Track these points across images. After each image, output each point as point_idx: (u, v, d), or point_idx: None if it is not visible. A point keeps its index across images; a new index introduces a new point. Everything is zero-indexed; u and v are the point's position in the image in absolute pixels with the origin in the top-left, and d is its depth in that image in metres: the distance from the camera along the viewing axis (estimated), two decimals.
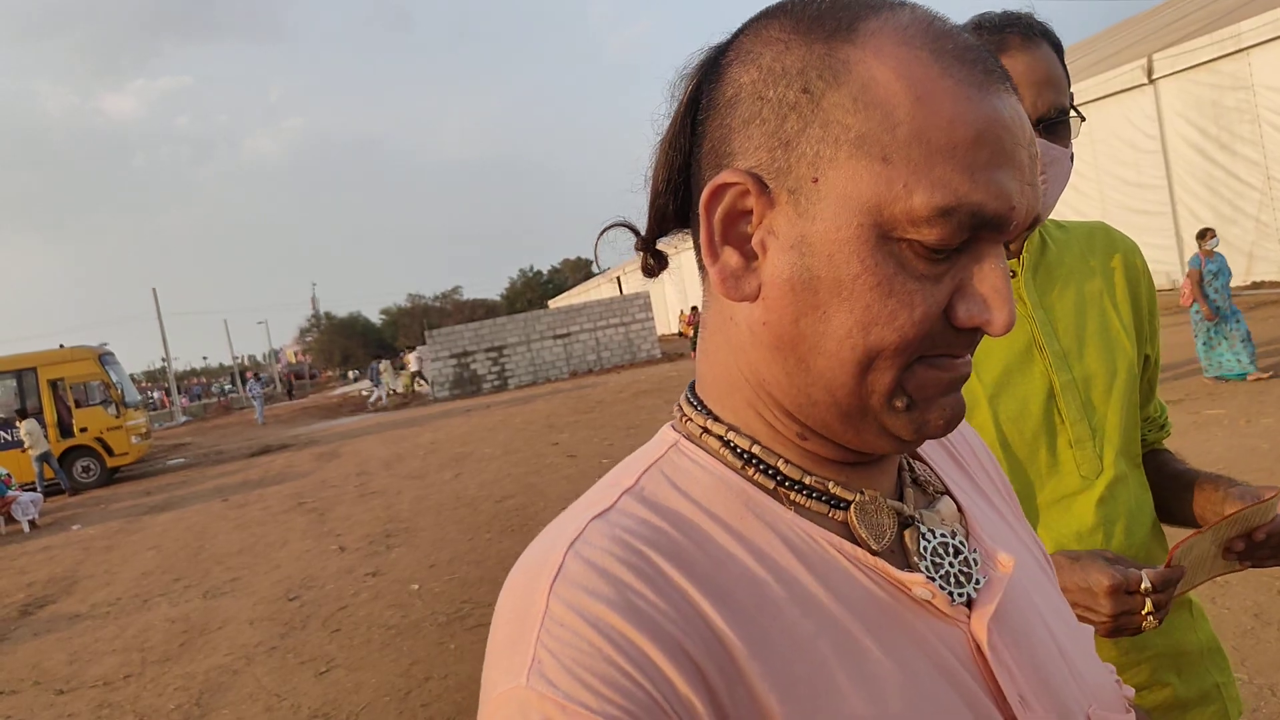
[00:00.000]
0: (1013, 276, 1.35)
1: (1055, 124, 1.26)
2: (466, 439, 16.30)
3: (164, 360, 56.38)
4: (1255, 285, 15.84)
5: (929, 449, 0.80)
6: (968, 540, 0.71)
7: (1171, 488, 1.43)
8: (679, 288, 44.42)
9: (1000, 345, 1.35)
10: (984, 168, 0.57)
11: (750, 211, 0.62)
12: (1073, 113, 1.30)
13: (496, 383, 28.34)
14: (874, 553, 0.65)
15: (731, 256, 0.63)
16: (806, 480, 0.65)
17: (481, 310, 78.98)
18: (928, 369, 0.61)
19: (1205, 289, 9.50)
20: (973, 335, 0.62)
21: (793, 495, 0.65)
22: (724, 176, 0.61)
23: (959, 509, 0.74)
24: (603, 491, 0.65)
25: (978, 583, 0.68)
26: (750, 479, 0.65)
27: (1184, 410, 8.20)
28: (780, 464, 0.65)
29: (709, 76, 0.65)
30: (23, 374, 19.68)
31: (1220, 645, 1.45)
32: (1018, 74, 1.24)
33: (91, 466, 19.64)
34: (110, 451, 19.83)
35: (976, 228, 0.58)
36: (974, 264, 0.60)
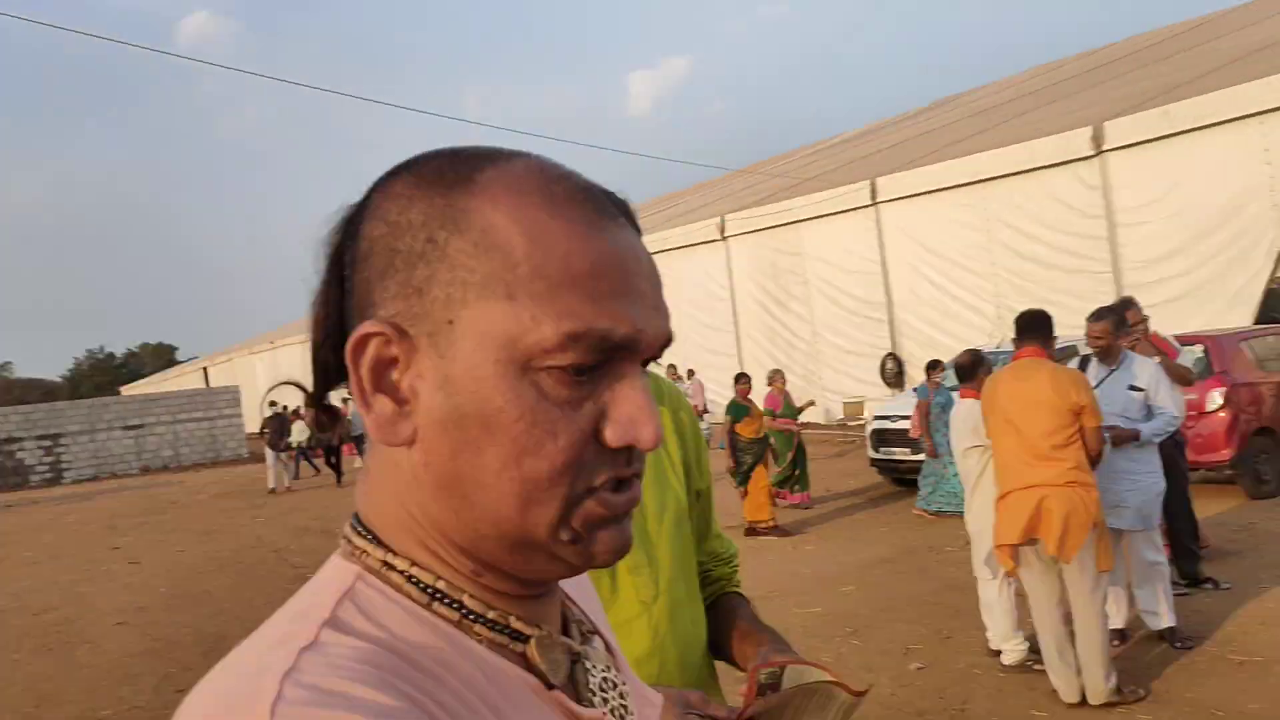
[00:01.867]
0: None
1: None
2: (1, 541, 14.08)
3: None
4: (803, 425, 18.20)
5: (569, 588, 0.82)
6: (619, 676, 0.76)
7: (725, 632, 1.54)
8: (270, 375, 41.99)
9: None
10: (606, 296, 0.61)
11: (396, 359, 0.63)
12: None
13: (48, 475, 24.92)
14: (551, 687, 0.68)
15: (384, 404, 0.64)
16: (490, 615, 0.67)
17: (38, 391, 69.21)
18: (593, 503, 0.63)
19: (933, 423, 9.41)
20: (630, 454, 0.64)
21: (477, 629, 0.67)
22: (365, 328, 0.63)
23: (607, 646, 0.79)
24: (289, 626, 0.61)
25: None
26: (438, 614, 0.66)
27: (736, 535, 9.20)
28: (465, 598, 0.67)
29: (348, 233, 0.68)
30: None
31: None
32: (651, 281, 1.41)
33: None
34: None
35: (609, 350, 0.61)
36: (615, 385, 0.63)
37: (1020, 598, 5.09)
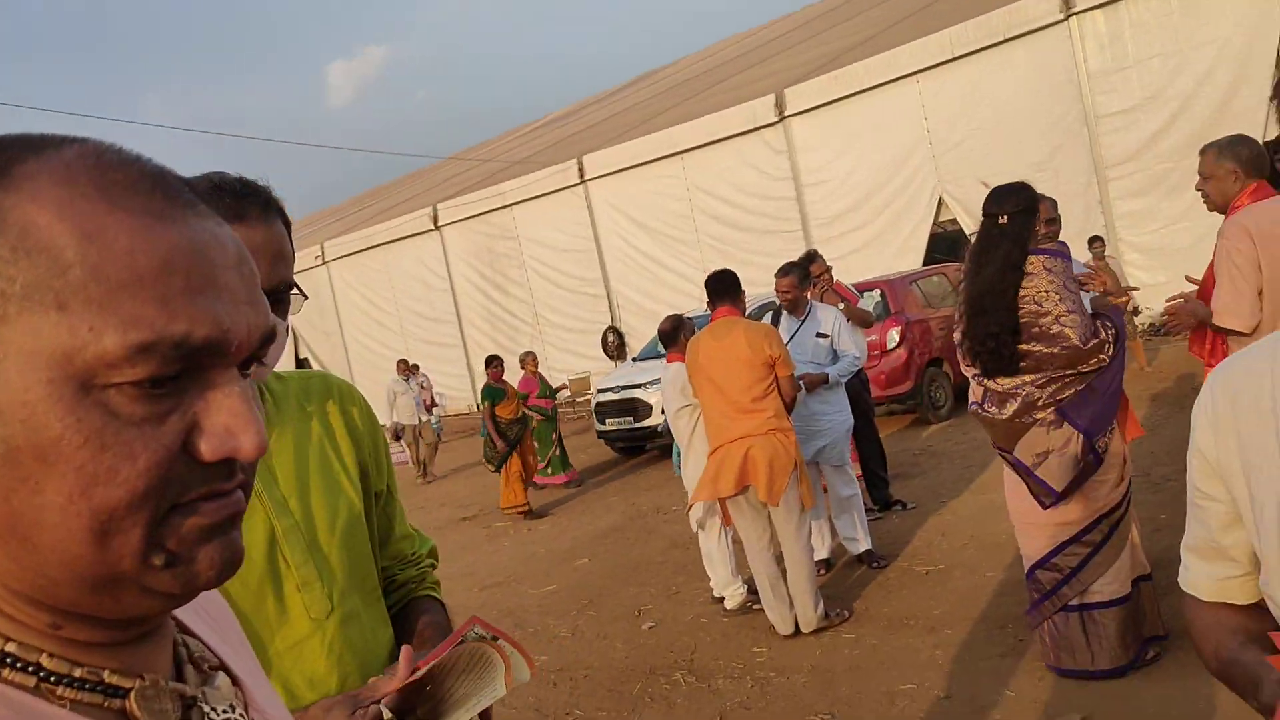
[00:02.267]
0: None
1: (280, 298, 1.33)
2: None
3: None
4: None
5: (191, 620, 0.74)
6: (248, 714, 0.69)
7: (409, 639, 1.51)
8: None
9: None
10: (180, 295, 0.54)
11: None
12: (295, 290, 1.40)
13: None
14: None
15: None
16: (76, 673, 0.58)
17: None
18: (186, 517, 0.56)
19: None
20: (231, 466, 0.57)
21: (60, 691, 0.57)
22: None
23: (234, 681, 0.71)
24: None
25: None
26: (8, 682, 0.56)
27: (478, 525, 9.11)
28: (43, 659, 0.57)
29: None
30: None
31: None
32: (254, 246, 1.26)
33: None
34: None
35: (190, 356, 0.54)
36: (206, 393, 0.56)
37: (737, 545, 5.34)
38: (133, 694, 0.60)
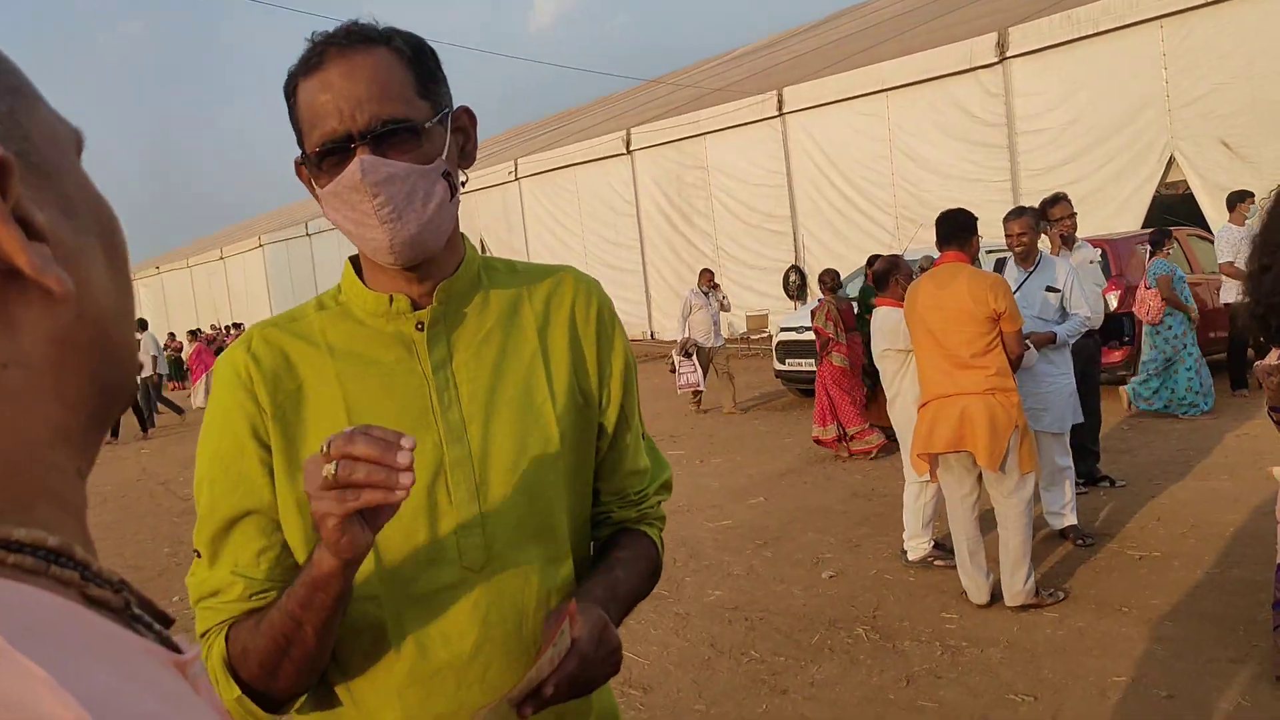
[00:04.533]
0: (419, 328, 1.20)
1: (387, 136, 1.10)
2: None
3: None
4: None
5: None
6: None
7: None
8: (157, 302, 40.39)
9: (390, 408, 1.17)
10: None
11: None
12: (432, 122, 1.14)
13: None
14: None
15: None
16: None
17: None
18: None
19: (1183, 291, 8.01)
20: None
21: (95, 593, 0.45)
22: None
23: None
24: None
25: None
26: (58, 580, 0.43)
27: None
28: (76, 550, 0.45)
29: None
30: None
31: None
32: (334, 88, 1.10)
33: None
34: None
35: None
36: None
37: (938, 499, 5.06)
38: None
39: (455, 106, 1.22)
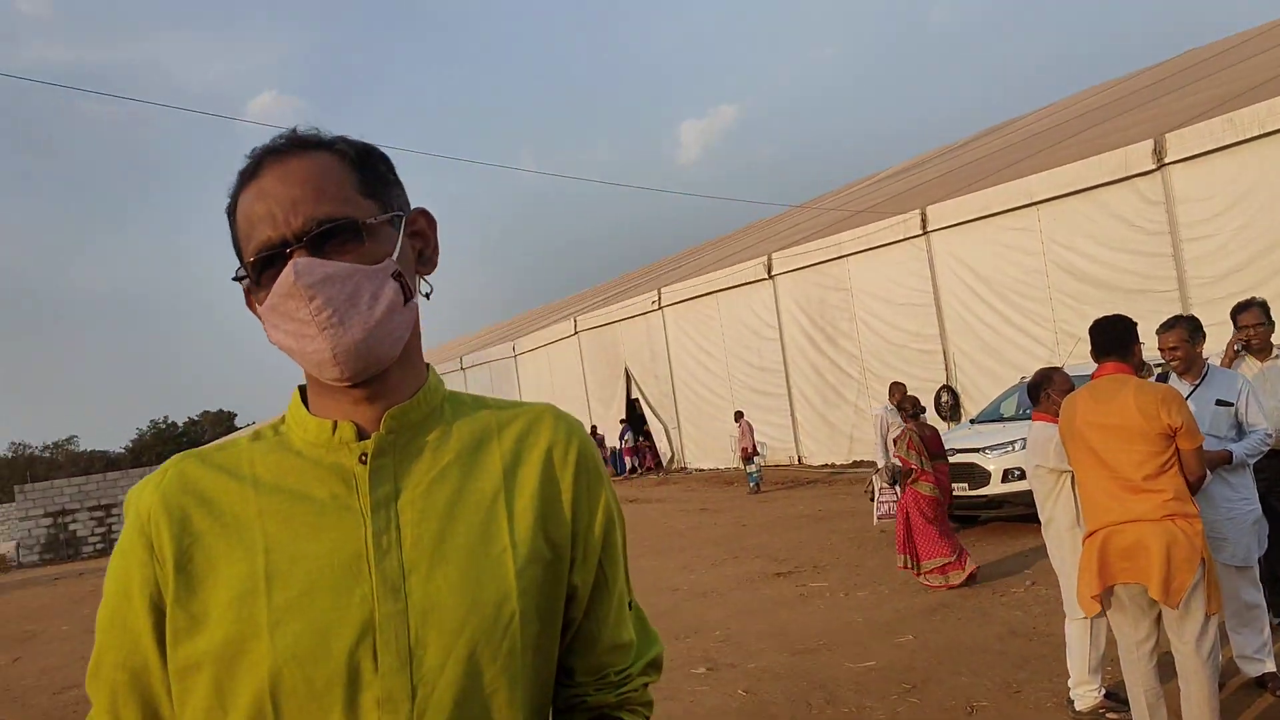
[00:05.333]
0: (362, 460, 1.04)
1: (326, 238, 1.00)
2: (40, 614, 13.91)
3: None
4: (856, 464, 17.52)
5: None
6: None
7: None
8: None
9: (317, 552, 0.99)
10: None
11: None
12: (377, 219, 1.03)
13: (100, 546, 24.95)
14: None
15: None
16: None
17: (101, 463, 70.89)
18: None
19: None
20: None
21: None
22: None
23: None
24: None
25: None
26: None
27: (791, 582, 8.61)
28: None
29: None
30: None
31: None
32: (269, 195, 1.00)
33: None
34: None
35: None
36: None
37: (1112, 638, 4.48)
38: None
39: (412, 210, 1.11)
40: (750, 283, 20.24)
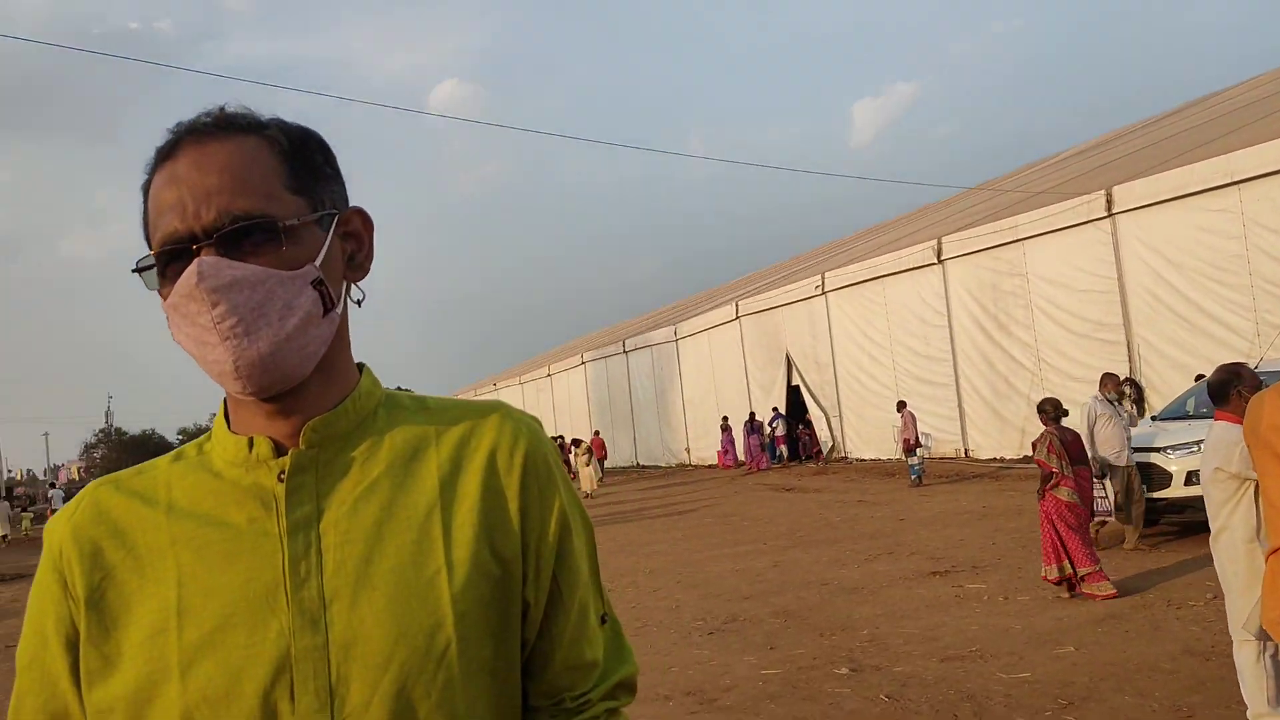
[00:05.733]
0: (281, 479, 0.94)
1: (239, 236, 0.90)
2: None
3: None
4: (1027, 459, 16.62)
5: None
6: None
7: None
8: None
9: (231, 583, 0.91)
10: None
11: None
12: (302, 220, 0.93)
13: None
14: None
15: None
16: None
17: None
18: None
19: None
20: None
21: None
22: None
23: None
24: None
25: None
26: None
27: (947, 582, 8.22)
28: None
29: None
30: None
31: None
32: (181, 181, 0.90)
33: None
34: None
35: None
36: None
37: None
38: None
39: (348, 208, 1.00)
40: (918, 268, 19.50)
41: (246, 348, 0.89)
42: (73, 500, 1.02)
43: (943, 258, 18.88)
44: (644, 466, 31.10)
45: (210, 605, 0.90)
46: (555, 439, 26.02)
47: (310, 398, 0.96)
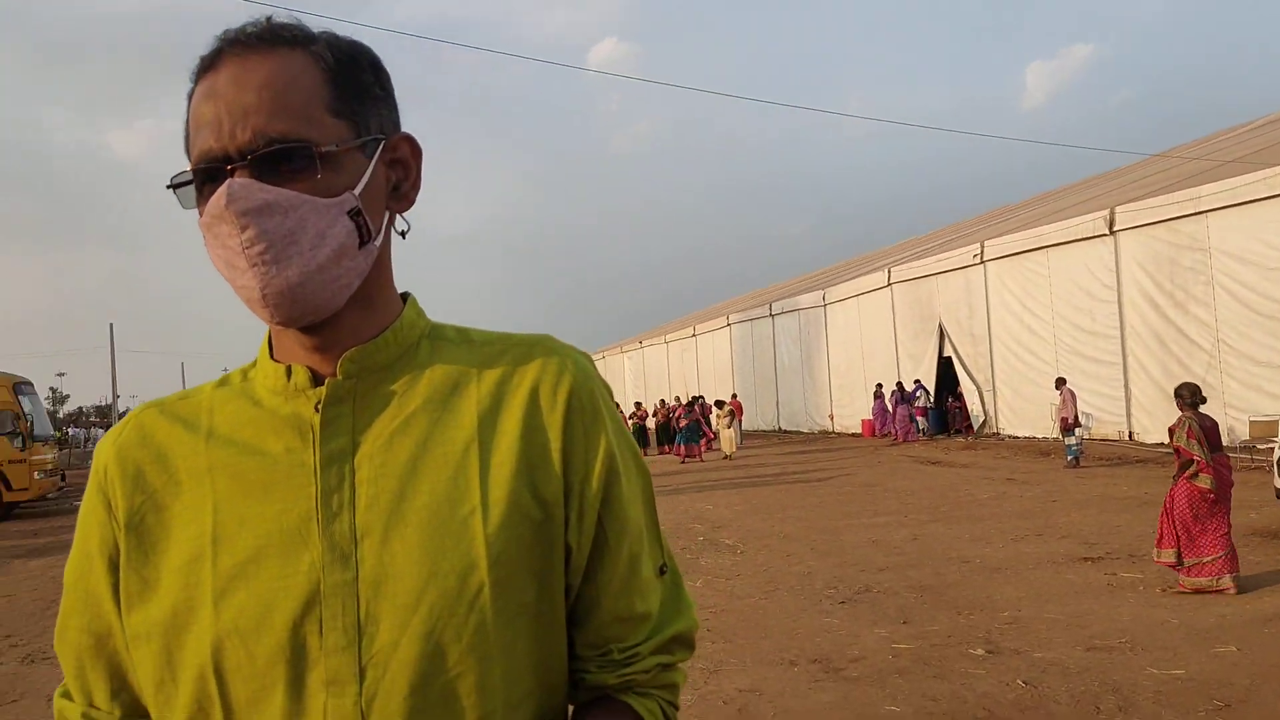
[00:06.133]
0: (317, 409, 0.91)
1: (275, 159, 0.85)
2: None
3: (115, 396, 55.72)
4: None
5: None
6: None
7: None
8: (636, 372, 44.10)
9: (265, 513, 0.88)
10: None
11: None
12: (343, 145, 0.88)
13: None
14: None
15: None
16: None
17: None
18: None
19: None
20: None
21: None
22: None
23: None
24: None
25: None
26: None
27: (1099, 569, 7.78)
28: None
29: None
30: None
31: None
32: (220, 97, 0.86)
33: None
34: (9, 485, 18.85)
35: None
36: None
37: None
38: None
39: (396, 134, 0.94)
40: (1088, 238, 18.43)
41: (274, 276, 0.85)
42: (120, 422, 1.01)
43: (1115, 229, 17.79)
44: (786, 431, 30.81)
45: (244, 534, 0.87)
46: (696, 399, 26.10)
47: (348, 329, 0.92)
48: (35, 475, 19.20)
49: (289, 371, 0.92)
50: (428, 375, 0.94)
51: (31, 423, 19.79)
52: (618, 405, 0.96)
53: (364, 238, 0.89)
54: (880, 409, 24.48)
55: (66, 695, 0.98)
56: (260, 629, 0.84)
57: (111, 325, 50.22)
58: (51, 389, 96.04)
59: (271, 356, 0.95)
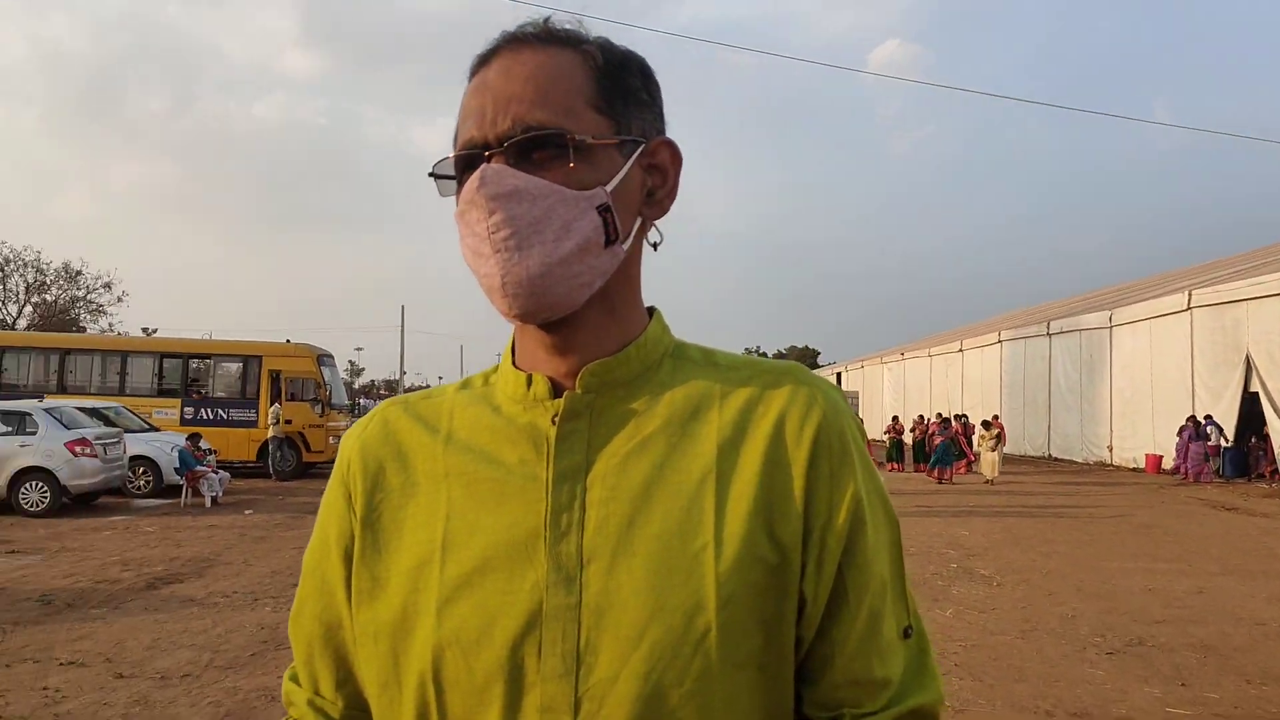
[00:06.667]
0: (555, 421, 0.88)
1: (530, 147, 0.85)
2: None
3: (403, 372, 61.06)
4: None
5: None
6: None
7: None
8: (895, 384, 42.77)
9: (496, 525, 0.86)
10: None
11: None
12: (599, 139, 0.86)
13: None
14: None
15: None
16: None
17: None
18: None
19: None
20: None
21: None
22: None
23: None
24: None
25: None
26: None
27: None
28: None
29: None
30: (249, 360, 21.45)
31: None
32: (488, 88, 0.87)
33: (289, 457, 20.89)
34: (308, 446, 21.01)
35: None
36: None
37: None
38: None
39: (656, 139, 0.91)
40: None
41: (516, 263, 0.84)
42: (366, 416, 1.02)
43: None
44: (1056, 459, 28.79)
45: (473, 544, 0.86)
46: (958, 417, 24.87)
47: (588, 335, 0.90)
48: (330, 440, 21.29)
49: (529, 380, 0.91)
50: (668, 396, 0.91)
51: (330, 392, 21.99)
52: (864, 435, 0.87)
53: (611, 237, 0.87)
54: (1183, 445, 22.21)
55: (294, 679, 1.01)
56: (480, 643, 0.83)
57: (403, 307, 54.78)
58: (350, 362, 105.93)
59: (514, 364, 0.95)
